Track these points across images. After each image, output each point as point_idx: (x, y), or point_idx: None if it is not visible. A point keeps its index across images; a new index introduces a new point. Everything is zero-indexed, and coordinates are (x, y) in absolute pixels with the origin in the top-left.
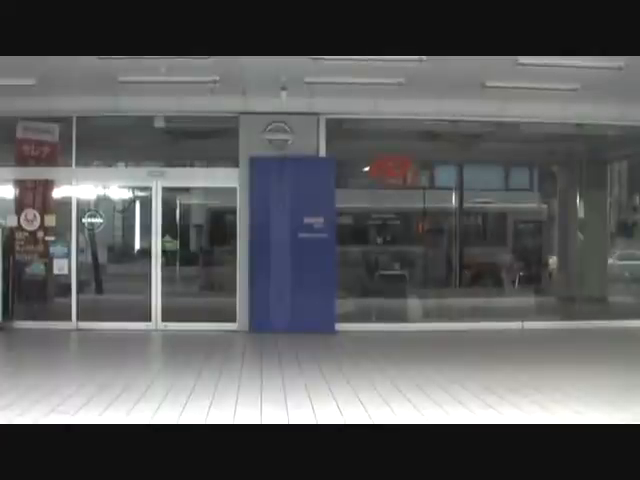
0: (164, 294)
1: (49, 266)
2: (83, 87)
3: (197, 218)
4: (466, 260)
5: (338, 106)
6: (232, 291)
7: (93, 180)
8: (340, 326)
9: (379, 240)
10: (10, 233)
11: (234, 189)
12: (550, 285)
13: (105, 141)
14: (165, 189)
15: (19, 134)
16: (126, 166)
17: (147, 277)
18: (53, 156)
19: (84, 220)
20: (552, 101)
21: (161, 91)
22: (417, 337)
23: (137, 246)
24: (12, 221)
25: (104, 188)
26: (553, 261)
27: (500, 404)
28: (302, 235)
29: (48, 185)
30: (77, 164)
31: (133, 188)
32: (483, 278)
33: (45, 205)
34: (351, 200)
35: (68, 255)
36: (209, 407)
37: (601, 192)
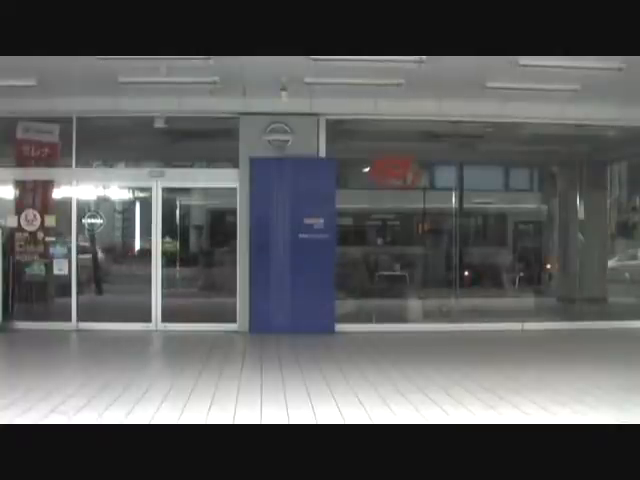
0: (164, 295)
1: (49, 267)
2: (83, 87)
3: (197, 218)
4: (466, 261)
5: (338, 107)
6: (232, 292)
7: (93, 180)
8: (340, 327)
9: (379, 241)
10: (10, 234)
11: (234, 190)
12: (550, 286)
13: (105, 141)
14: (165, 189)
15: (19, 134)
16: (126, 166)
17: (147, 278)
18: (53, 156)
19: (84, 221)
20: (552, 102)
21: (161, 91)
22: (417, 338)
23: (137, 246)
24: (12, 222)
25: (104, 188)
26: (553, 262)
27: (500, 405)
28: (302, 236)
29: (48, 185)
30: (77, 164)
31: (133, 188)
32: (483, 279)
33: (45, 206)
34: (351, 201)
35: (68, 256)
36: (209, 408)
37: (601, 193)
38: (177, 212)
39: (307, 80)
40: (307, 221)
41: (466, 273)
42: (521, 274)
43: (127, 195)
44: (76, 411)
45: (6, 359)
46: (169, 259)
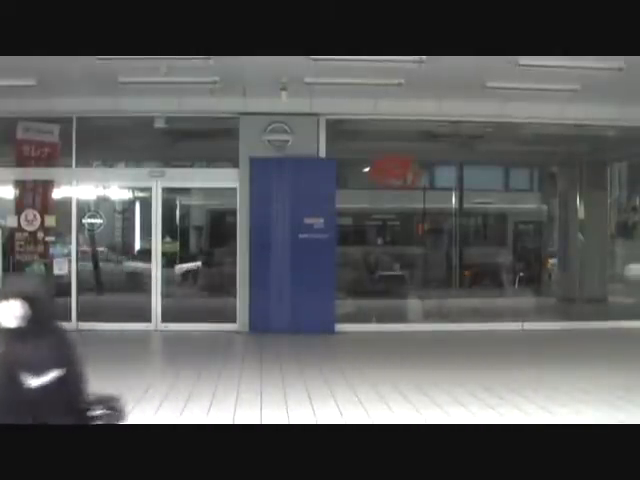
0: (164, 295)
1: (49, 266)
2: (83, 87)
3: (197, 218)
4: (466, 261)
5: (338, 106)
6: (232, 292)
7: (93, 180)
8: (340, 327)
9: (379, 241)
10: (10, 234)
11: (234, 190)
12: (550, 286)
13: (105, 141)
14: (165, 189)
15: (19, 135)
16: (126, 166)
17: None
18: (53, 156)
19: (84, 220)
20: (552, 102)
21: (161, 91)
22: (417, 338)
23: (137, 246)
24: (12, 222)
25: (104, 188)
26: (552, 262)
27: (500, 405)
28: (302, 236)
29: (48, 185)
30: (77, 164)
31: (133, 188)
32: (483, 279)
33: (45, 206)
34: (351, 200)
35: (68, 255)
36: (209, 407)
37: (601, 193)
38: (177, 212)
39: (307, 80)
40: (307, 221)
41: (466, 273)
42: (521, 274)
43: (127, 195)
44: None
45: None
46: (169, 259)
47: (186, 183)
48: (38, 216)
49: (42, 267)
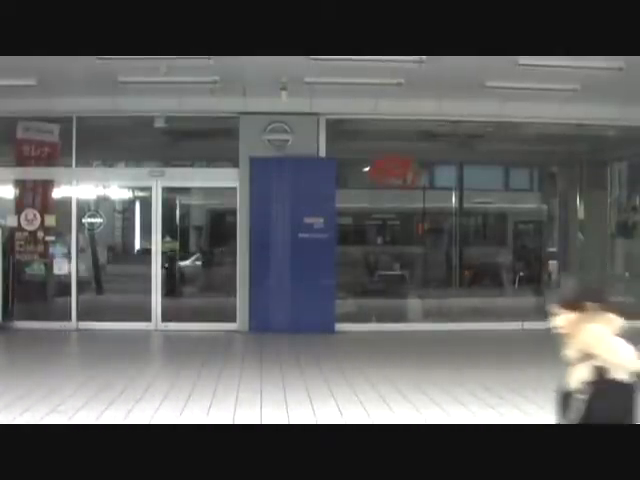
0: (164, 294)
1: (49, 266)
2: (83, 87)
3: (197, 218)
4: (466, 260)
5: (338, 106)
6: (232, 291)
7: (93, 180)
8: (340, 326)
9: (379, 240)
10: (10, 233)
11: (234, 189)
12: (550, 285)
13: (105, 141)
14: (165, 189)
15: (19, 134)
16: (126, 166)
17: (147, 277)
18: (53, 156)
19: (84, 220)
20: (552, 101)
21: (161, 91)
22: (417, 337)
23: (137, 246)
24: (12, 221)
25: (104, 188)
26: (552, 263)
27: (500, 404)
28: (302, 235)
29: (48, 185)
30: (77, 164)
31: (133, 188)
32: (483, 278)
33: (45, 205)
34: (351, 200)
35: (68, 255)
36: (209, 407)
37: (601, 193)
38: (177, 212)
39: (307, 80)
40: (307, 221)
41: (466, 273)
42: (521, 274)
43: (127, 195)
44: (76, 410)
45: (6, 359)
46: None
47: (186, 183)
48: (38, 216)
49: (42, 267)
